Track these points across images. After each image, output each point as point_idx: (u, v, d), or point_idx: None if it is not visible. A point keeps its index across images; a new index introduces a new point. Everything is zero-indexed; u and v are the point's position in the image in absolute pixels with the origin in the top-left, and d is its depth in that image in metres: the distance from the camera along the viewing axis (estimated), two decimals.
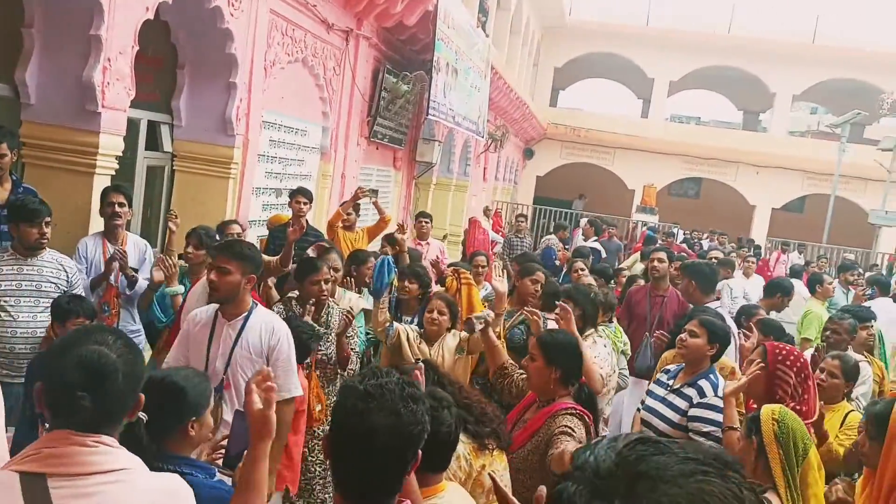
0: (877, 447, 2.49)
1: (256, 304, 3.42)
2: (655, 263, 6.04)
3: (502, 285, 4.12)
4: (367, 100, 9.24)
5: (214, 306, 3.41)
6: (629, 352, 5.37)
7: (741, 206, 23.85)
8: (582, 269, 6.70)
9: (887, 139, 18.30)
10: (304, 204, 6.21)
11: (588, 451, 0.90)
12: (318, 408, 4.27)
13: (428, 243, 7.93)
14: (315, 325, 4.38)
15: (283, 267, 5.15)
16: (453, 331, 4.40)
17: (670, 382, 3.70)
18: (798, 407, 3.08)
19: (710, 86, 28.50)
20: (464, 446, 2.72)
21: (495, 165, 18.40)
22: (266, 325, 3.37)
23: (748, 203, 23.79)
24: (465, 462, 2.71)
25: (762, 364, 3.19)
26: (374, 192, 7.03)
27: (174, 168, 6.37)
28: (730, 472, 0.84)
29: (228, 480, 2.38)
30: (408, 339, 4.42)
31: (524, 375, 3.49)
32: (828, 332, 5.19)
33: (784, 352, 3.28)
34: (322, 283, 4.55)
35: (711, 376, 3.58)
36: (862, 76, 23.22)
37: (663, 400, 3.65)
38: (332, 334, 4.50)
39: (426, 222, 8.26)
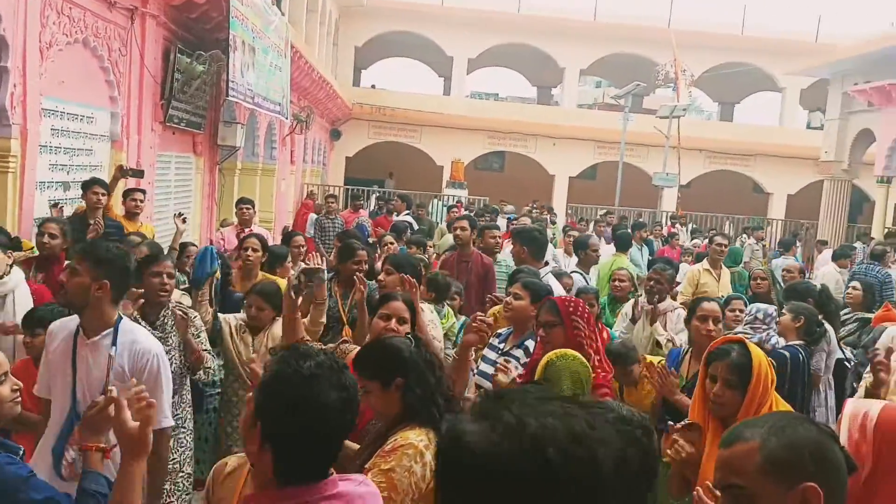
0: (736, 396, 2.54)
1: (122, 318, 2.95)
2: (458, 232, 6.33)
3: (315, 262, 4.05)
4: (159, 82, 8.68)
5: (74, 320, 2.93)
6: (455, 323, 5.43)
7: (542, 176, 25.15)
8: (392, 244, 6.80)
9: (664, 108, 19.97)
10: (102, 195, 5.76)
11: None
12: None
13: (251, 230, 7.66)
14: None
15: None
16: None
17: (501, 346, 3.83)
18: (592, 351, 3.29)
19: (505, 63, 29.70)
20: (429, 451, 2.27)
21: (302, 148, 18.06)
22: (134, 343, 2.89)
23: (548, 173, 25.14)
24: (429, 471, 2.24)
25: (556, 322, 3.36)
26: (141, 172, 6.60)
27: None
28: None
29: None
30: (230, 330, 4.26)
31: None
32: (651, 283, 5.63)
33: (571, 304, 3.49)
34: (164, 276, 3.79)
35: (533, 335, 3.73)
36: (638, 51, 25.20)
37: (494, 363, 3.77)
38: (172, 339, 3.84)
39: (248, 208, 7.98)
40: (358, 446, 2.57)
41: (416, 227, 11.20)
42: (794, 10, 65.80)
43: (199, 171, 10.76)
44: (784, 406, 2.63)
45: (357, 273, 4.48)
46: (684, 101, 20.08)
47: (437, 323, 4.38)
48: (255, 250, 5.49)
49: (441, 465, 0.96)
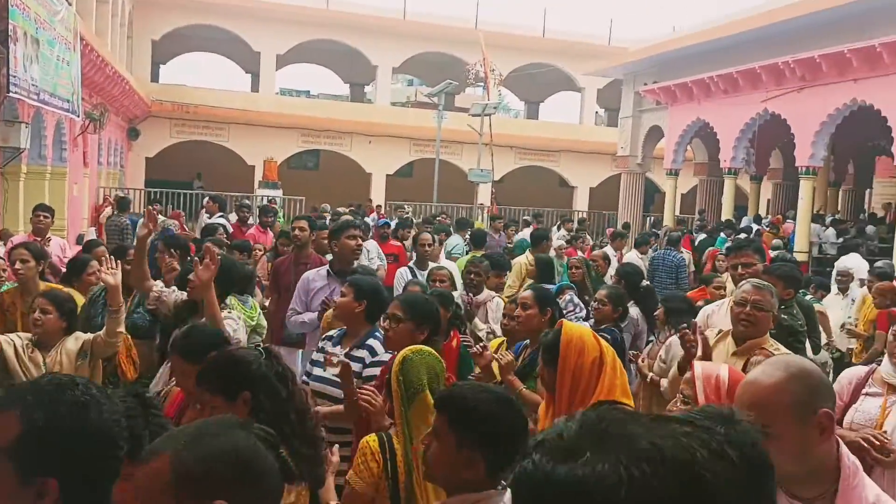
0: (552, 372, 2.75)
1: None
2: (297, 232, 6.12)
3: (113, 278, 3.75)
4: None
5: None
6: (264, 323, 5.25)
7: (359, 174, 25.03)
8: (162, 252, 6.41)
9: (475, 106, 20.50)
10: None
11: (545, 432, 0.91)
12: None
13: (49, 239, 6.85)
14: None
15: None
16: (76, 333, 3.83)
17: (337, 349, 3.67)
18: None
19: (316, 60, 29.27)
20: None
21: (97, 148, 16.66)
22: None
23: (365, 171, 25.06)
24: None
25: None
26: None
27: None
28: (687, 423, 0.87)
29: None
30: (15, 349, 3.73)
31: None
32: (471, 275, 5.79)
33: None
34: None
35: (378, 334, 3.62)
36: (449, 50, 25.77)
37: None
38: None
39: (45, 216, 7.15)
40: None
41: (230, 229, 10.65)
42: (589, 14, 70.66)
43: None
44: (625, 389, 2.76)
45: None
46: (494, 100, 20.73)
47: (237, 317, 4.13)
48: (24, 261, 4.78)
49: None
